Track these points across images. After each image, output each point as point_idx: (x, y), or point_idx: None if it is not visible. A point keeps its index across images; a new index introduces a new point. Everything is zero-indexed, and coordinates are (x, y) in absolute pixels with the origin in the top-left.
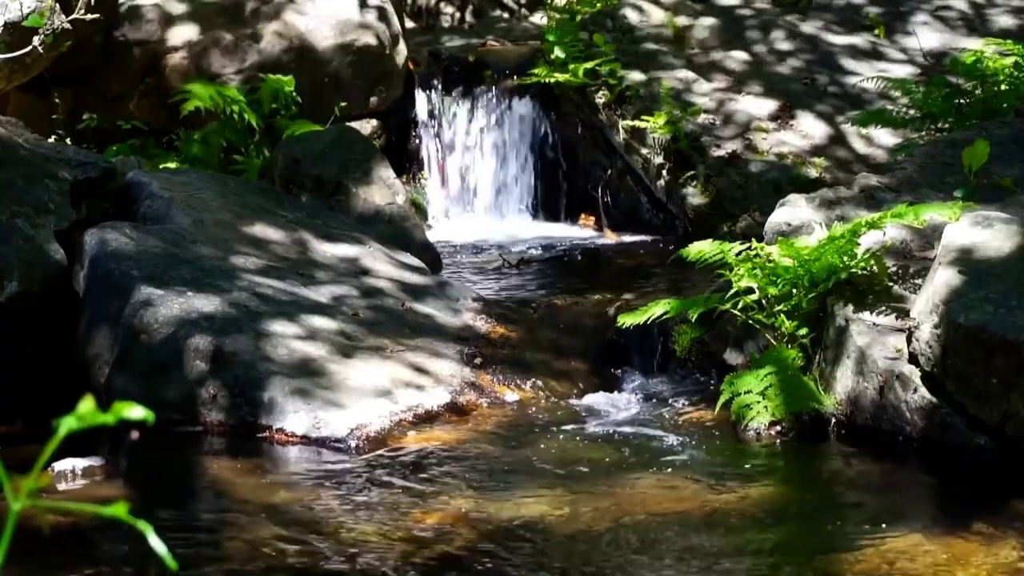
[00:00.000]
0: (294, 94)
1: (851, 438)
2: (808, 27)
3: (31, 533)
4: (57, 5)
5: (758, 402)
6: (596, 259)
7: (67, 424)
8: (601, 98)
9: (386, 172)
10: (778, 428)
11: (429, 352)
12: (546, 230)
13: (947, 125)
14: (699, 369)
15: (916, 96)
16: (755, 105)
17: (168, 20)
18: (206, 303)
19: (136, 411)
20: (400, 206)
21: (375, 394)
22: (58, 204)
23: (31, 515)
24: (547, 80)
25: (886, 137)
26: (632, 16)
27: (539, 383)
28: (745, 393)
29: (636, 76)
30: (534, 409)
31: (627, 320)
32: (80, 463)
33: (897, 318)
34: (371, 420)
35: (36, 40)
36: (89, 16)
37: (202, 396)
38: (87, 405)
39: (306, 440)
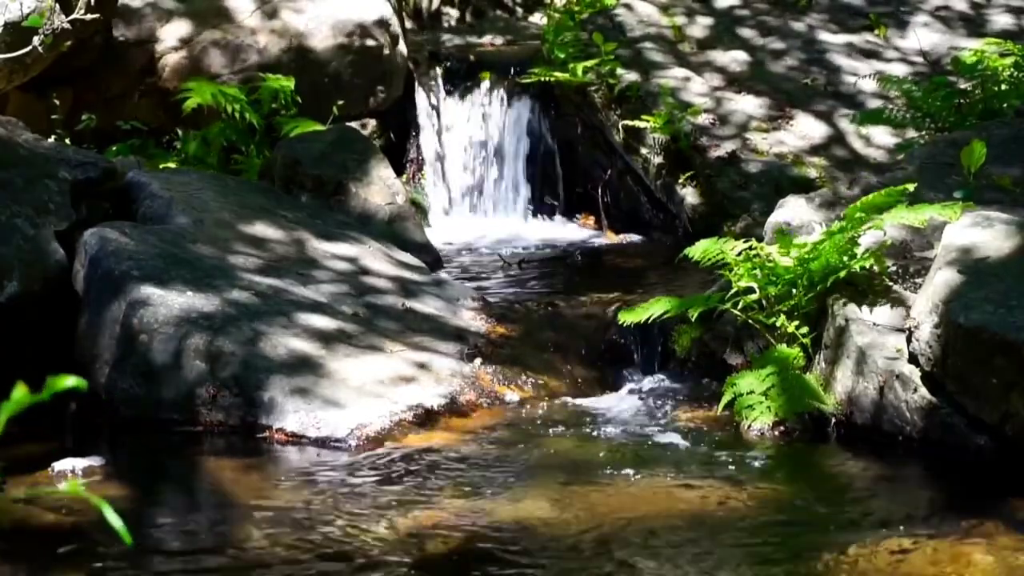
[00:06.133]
0: (294, 94)
1: (851, 438)
2: (807, 27)
3: (31, 533)
4: (57, 5)
5: (760, 402)
6: (596, 259)
7: (5, 411)
8: (600, 98)
9: (386, 172)
10: (781, 428)
11: (429, 352)
12: (546, 230)
13: (947, 125)
14: (699, 369)
15: (915, 96)
16: (754, 105)
17: (168, 20)
18: (206, 303)
19: (69, 380)
20: (400, 206)
21: (375, 394)
22: (58, 204)
23: (31, 515)
24: (547, 79)
25: (885, 137)
26: (631, 16)
27: (539, 383)
28: (748, 393)
29: (635, 76)
30: (534, 409)
31: (627, 318)
32: (80, 463)
33: (897, 318)
34: (371, 420)
35: (36, 40)
36: (89, 16)
37: (202, 396)
38: (20, 391)
39: (306, 440)
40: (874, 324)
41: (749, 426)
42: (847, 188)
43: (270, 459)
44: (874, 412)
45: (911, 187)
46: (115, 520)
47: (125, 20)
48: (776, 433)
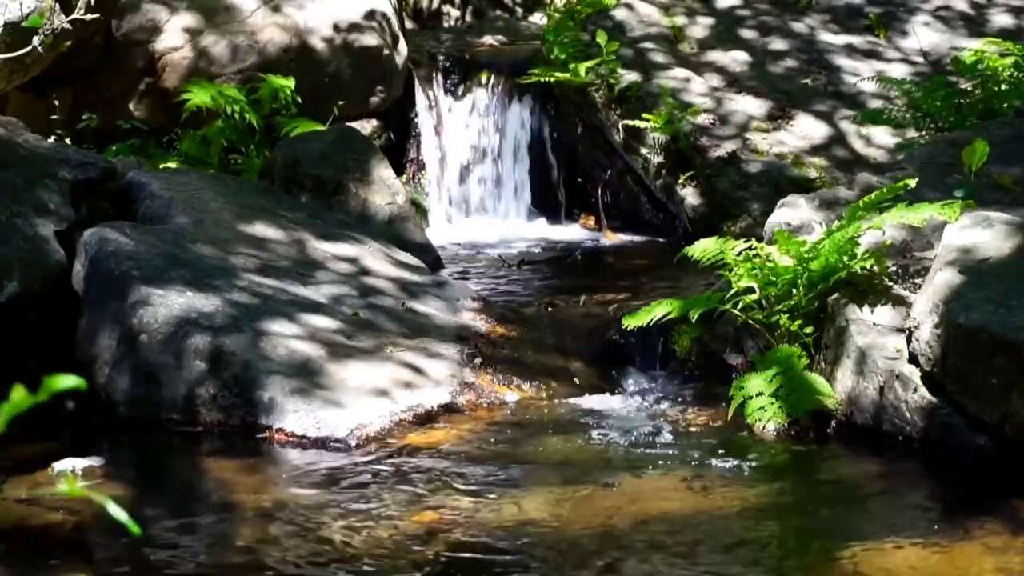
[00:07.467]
0: (294, 94)
1: (850, 438)
2: (807, 27)
3: (31, 533)
4: (57, 5)
5: (772, 403)
6: (596, 259)
7: (4, 413)
8: (600, 98)
9: (386, 172)
10: (796, 427)
11: (429, 352)
12: (546, 230)
13: (947, 125)
14: (699, 369)
15: (916, 96)
16: (754, 105)
17: (168, 20)
18: (206, 303)
19: (67, 380)
20: (400, 206)
21: (375, 394)
22: (58, 204)
23: (31, 515)
24: (547, 80)
25: (885, 137)
26: (631, 16)
27: (539, 383)
28: (757, 395)
29: (635, 76)
30: (534, 409)
31: (630, 322)
32: (80, 463)
33: (897, 318)
34: (371, 420)
35: (36, 40)
36: (89, 16)
37: (202, 396)
38: (19, 393)
39: (306, 440)
40: (874, 324)
41: (764, 427)
42: (847, 188)
43: (270, 459)
44: (874, 412)
45: (912, 183)
46: (120, 513)
47: (125, 19)
48: (784, 434)
